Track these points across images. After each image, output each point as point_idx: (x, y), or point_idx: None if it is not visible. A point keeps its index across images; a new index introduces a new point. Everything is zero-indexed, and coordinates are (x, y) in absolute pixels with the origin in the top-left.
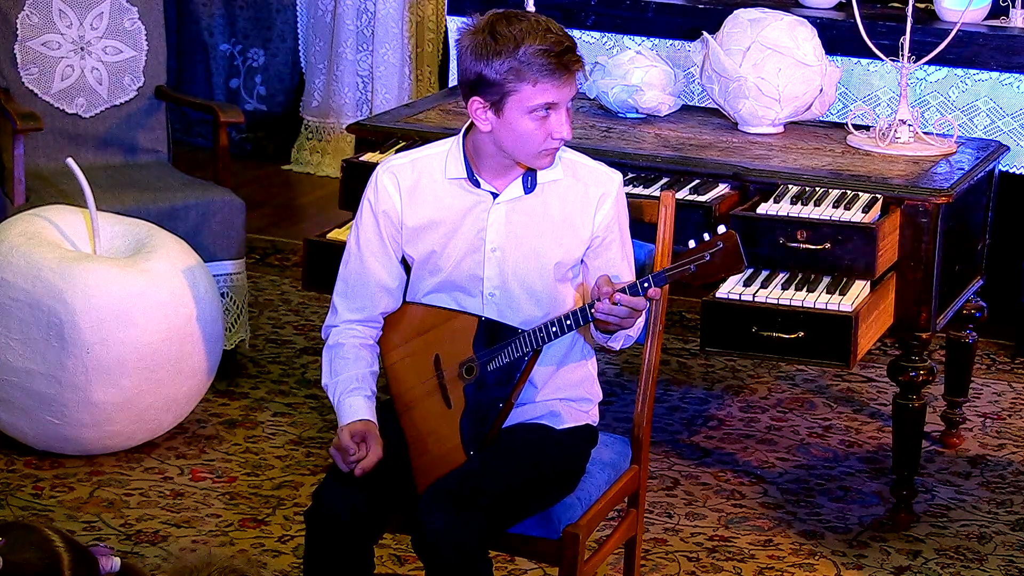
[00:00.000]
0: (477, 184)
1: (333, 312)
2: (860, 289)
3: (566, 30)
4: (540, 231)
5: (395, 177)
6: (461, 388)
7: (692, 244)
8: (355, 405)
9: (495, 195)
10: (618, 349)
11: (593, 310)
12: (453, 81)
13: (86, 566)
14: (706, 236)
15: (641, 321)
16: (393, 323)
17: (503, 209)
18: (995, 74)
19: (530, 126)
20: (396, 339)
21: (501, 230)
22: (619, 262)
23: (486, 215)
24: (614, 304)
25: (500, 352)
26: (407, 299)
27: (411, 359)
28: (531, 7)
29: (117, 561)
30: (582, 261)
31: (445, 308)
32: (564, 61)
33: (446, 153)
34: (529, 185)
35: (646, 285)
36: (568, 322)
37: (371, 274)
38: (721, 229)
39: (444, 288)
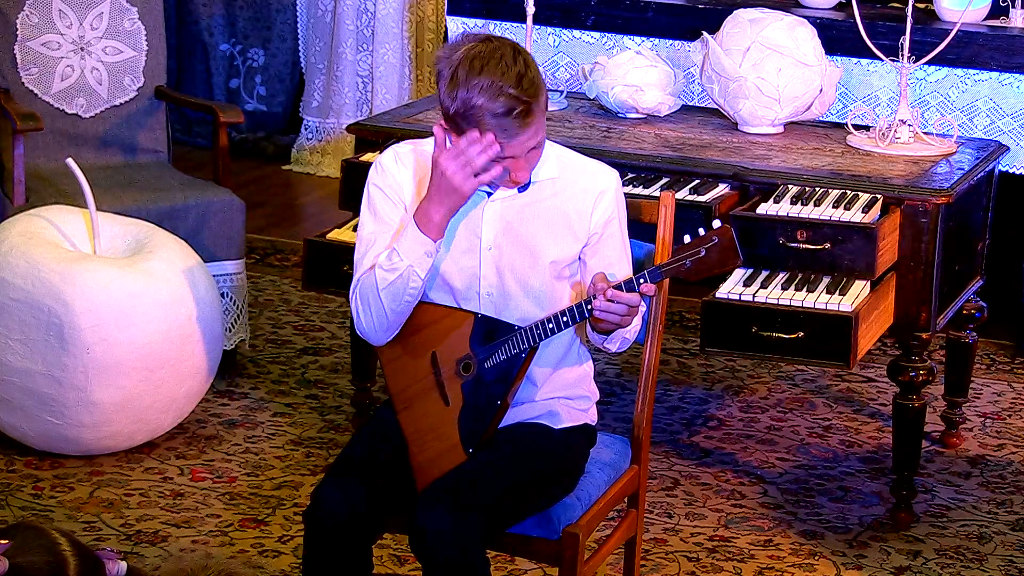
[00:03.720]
0: None
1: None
2: (860, 289)
3: (534, 75)
4: (535, 229)
5: (400, 160)
6: (459, 385)
7: (687, 239)
8: (410, 234)
9: (489, 193)
10: (615, 351)
11: (590, 307)
12: None
13: (92, 570)
14: (701, 231)
15: (638, 324)
16: None
17: (497, 207)
18: (995, 74)
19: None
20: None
21: (496, 228)
22: (617, 260)
23: (480, 213)
24: (610, 301)
25: (497, 349)
26: None
27: (407, 357)
28: (531, 7)
29: (123, 565)
30: (580, 259)
31: (441, 305)
32: (507, 124)
33: None
34: (524, 184)
35: (641, 281)
36: (564, 319)
37: None
38: (716, 224)
39: (442, 287)
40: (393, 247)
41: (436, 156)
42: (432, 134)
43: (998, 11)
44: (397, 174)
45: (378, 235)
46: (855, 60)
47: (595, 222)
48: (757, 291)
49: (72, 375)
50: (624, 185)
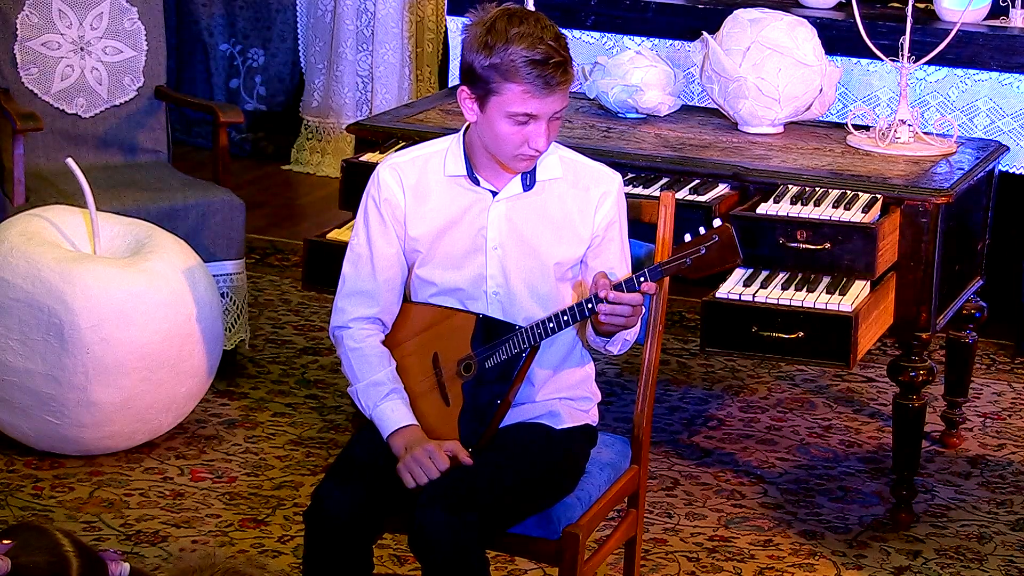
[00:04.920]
0: (476, 182)
1: (340, 313)
2: (860, 289)
3: (567, 41)
4: (540, 229)
5: (398, 174)
6: (459, 386)
7: (688, 238)
8: (397, 410)
9: (494, 193)
10: (615, 353)
11: (591, 306)
12: (453, 81)
13: (95, 571)
14: (701, 230)
15: (638, 326)
16: (391, 323)
17: (503, 207)
18: (995, 74)
19: (507, 129)
20: (394, 339)
21: (502, 228)
22: (617, 263)
23: (486, 213)
24: (612, 304)
25: (498, 349)
26: (410, 300)
27: (410, 358)
28: (530, 7)
29: (126, 567)
30: (582, 261)
31: (443, 307)
32: (545, 75)
33: (446, 151)
34: (528, 182)
35: (642, 279)
36: (565, 318)
37: (381, 273)
38: (716, 222)
39: (448, 290)
40: (377, 406)
41: (402, 462)
42: (433, 136)
43: (998, 11)
44: (394, 190)
45: (364, 255)
46: (855, 60)
47: (598, 224)
48: (757, 291)
49: (72, 375)
50: (624, 185)
